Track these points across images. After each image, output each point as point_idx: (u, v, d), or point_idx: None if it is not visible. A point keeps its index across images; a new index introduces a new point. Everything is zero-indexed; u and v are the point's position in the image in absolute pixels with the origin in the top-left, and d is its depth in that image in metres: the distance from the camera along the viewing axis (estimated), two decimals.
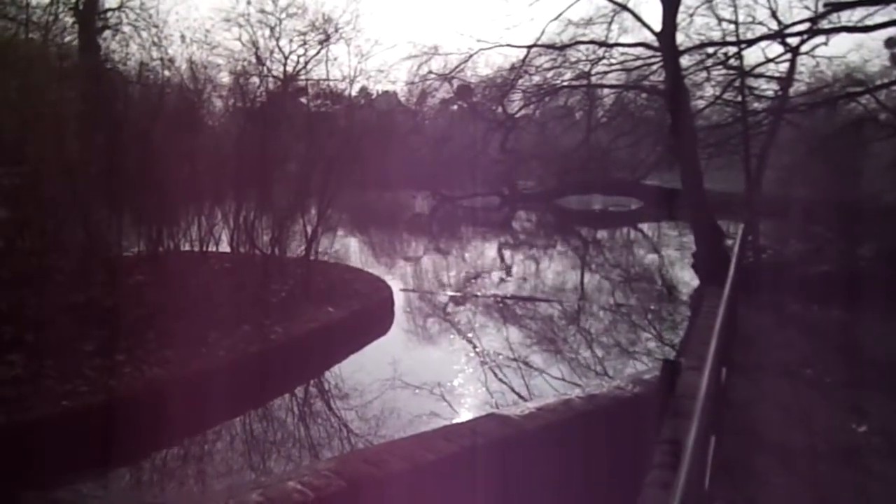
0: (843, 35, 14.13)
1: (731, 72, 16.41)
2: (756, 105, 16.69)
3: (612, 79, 20.95)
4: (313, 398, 7.73)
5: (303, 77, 13.88)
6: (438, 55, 23.09)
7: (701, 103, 18.16)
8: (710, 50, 16.26)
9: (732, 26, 15.84)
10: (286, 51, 14.04)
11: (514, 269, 17.02)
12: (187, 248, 10.73)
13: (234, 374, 7.18)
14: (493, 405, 6.96)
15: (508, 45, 29.43)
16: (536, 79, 20.46)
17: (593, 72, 19.85)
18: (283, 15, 14.50)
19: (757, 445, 4.71)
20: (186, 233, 10.70)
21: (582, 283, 15.43)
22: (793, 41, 15.53)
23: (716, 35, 16.35)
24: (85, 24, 11.99)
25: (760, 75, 16.95)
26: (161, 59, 10.66)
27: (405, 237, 22.54)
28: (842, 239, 12.28)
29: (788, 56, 15.98)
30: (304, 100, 14.36)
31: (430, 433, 4.42)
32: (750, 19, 16.45)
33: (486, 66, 35.08)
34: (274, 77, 12.76)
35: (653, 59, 16.87)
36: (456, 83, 25.19)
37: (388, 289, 11.78)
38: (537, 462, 4.23)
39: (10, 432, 5.39)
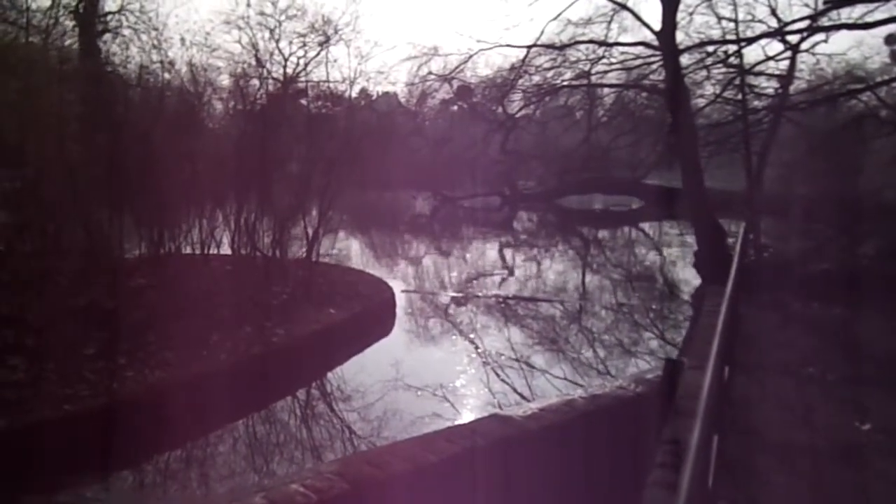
0: (844, 32, 14.16)
1: (731, 70, 16.43)
2: (756, 103, 16.73)
3: (612, 78, 21.01)
4: (315, 400, 7.72)
5: (303, 79, 13.85)
6: (438, 56, 23.19)
7: (701, 102, 18.21)
8: (710, 48, 16.31)
9: (732, 24, 15.91)
10: (286, 53, 14.01)
11: (516, 270, 17.00)
12: (188, 250, 10.73)
13: (235, 377, 7.16)
14: (496, 405, 6.96)
15: (508, 46, 29.56)
16: (536, 79, 20.51)
17: (593, 71, 19.88)
18: (283, 17, 14.45)
19: (759, 444, 4.71)
20: (187, 235, 10.70)
21: (583, 282, 15.41)
22: (793, 39, 15.59)
23: (715, 33, 16.43)
24: (85, 27, 12.00)
25: (760, 73, 17.00)
26: (161, 61, 10.73)
27: (406, 238, 22.51)
28: (843, 236, 12.27)
29: (788, 54, 16.05)
30: (304, 101, 14.36)
31: (432, 434, 4.42)
32: (750, 17, 16.57)
33: (486, 66, 35.19)
34: (274, 79, 12.75)
35: (653, 58, 16.89)
36: (456, 84, 25.19)
37: (390, 290, 11.77)
38: (539, 462, 4.22)
39: (12, 436, 5.38)
